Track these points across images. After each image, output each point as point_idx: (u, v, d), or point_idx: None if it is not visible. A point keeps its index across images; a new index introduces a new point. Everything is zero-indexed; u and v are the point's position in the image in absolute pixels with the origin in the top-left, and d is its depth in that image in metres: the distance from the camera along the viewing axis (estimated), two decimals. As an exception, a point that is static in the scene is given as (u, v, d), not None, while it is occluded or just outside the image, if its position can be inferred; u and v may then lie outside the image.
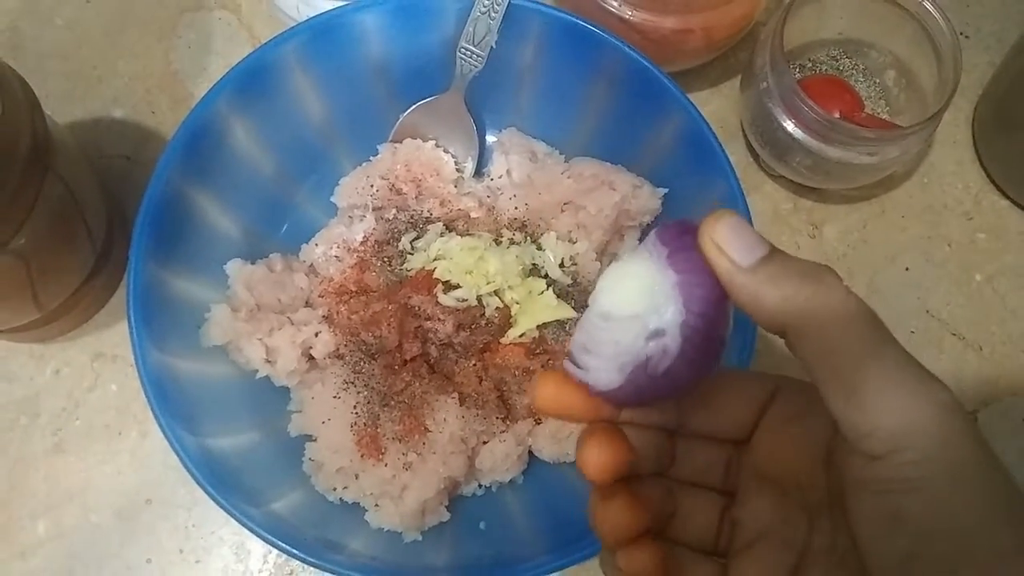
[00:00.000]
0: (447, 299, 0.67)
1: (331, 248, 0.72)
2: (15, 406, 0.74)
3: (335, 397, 0.68)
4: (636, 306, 0.38)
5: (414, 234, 0.72)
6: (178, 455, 0.60)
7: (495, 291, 0.68)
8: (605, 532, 0.41)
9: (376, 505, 0.66)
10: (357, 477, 0.66)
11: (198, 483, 0.60)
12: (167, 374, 0.63)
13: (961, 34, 0.71)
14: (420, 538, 0.65)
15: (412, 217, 0.73)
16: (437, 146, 0.74)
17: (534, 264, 0.70)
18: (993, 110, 0.81)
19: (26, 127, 0.58)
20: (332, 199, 0.74)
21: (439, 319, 0.67)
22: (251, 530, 0.60)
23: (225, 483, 0.61)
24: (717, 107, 0.83)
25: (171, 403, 0.62)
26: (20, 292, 0.64)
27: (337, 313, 0.70)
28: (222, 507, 0.60)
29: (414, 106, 0.73)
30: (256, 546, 0.72)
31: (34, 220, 0.59)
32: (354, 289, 0.71)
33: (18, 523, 0.72)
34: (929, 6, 0.72)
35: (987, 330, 0.78)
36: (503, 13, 0.67)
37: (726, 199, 0.65)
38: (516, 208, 0.72)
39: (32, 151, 0.58)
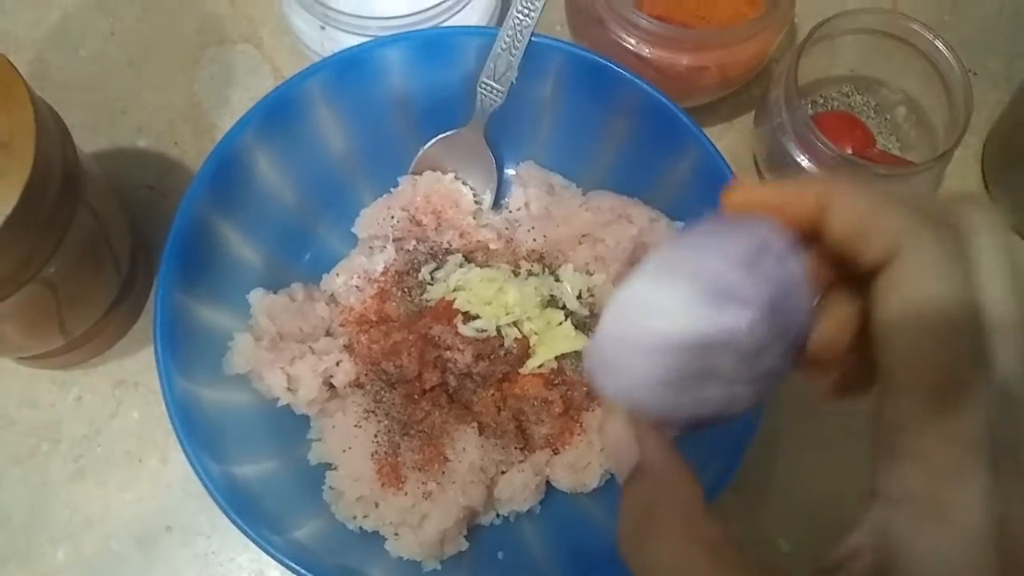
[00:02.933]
0: (467, 329, 0.68)
1: (352, 278, 0.73)
2: (37, 432, 0.75)
3: (355, 426, 0.68)
4: None
5: (434, 265, 0.73)
6: (203, 482, 0.61)
7: (514, 322, 0.69)
8: None
9: (396, 534, 0.66)
10: (377, 506, 0.67)
11: (223, 510, 0.60)
12: (191, 401, 0.64)
13: (970, 71, 0.73)
14: (439, 567, 0.66)
15: (432, 248, 0.74)
16: (456, 178, 0.75)
17: (552, 295, 0.71)
18: (1002, 146, 0.83)
19: (58, 158, 0.59)
20: (353, 230, 0.75)
21: (458, 349, 0.68)
22: (274, 557, 0.60)
23: (248, 510, 0.61)
24: (730, 142, 0.84)
25: (196, 430, 0.62)
26: (47, 320, 0.65)
27: (358, 343, 0.71)
28: (246, 534, 0.60)
29: (434, 139, 0.75)
30: (275, 574, 0.72)
31: (64, 249, 0.60)
32: (374, 319, 0.72)
33: (38, 549, 0.72)
34: (939, 44, 0.73)
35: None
36: (524, 50, 0.69)
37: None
38: (534, 240, 0.73)
39: (64, 182, 0.59)
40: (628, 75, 0.69)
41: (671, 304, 0.34)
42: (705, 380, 0.35)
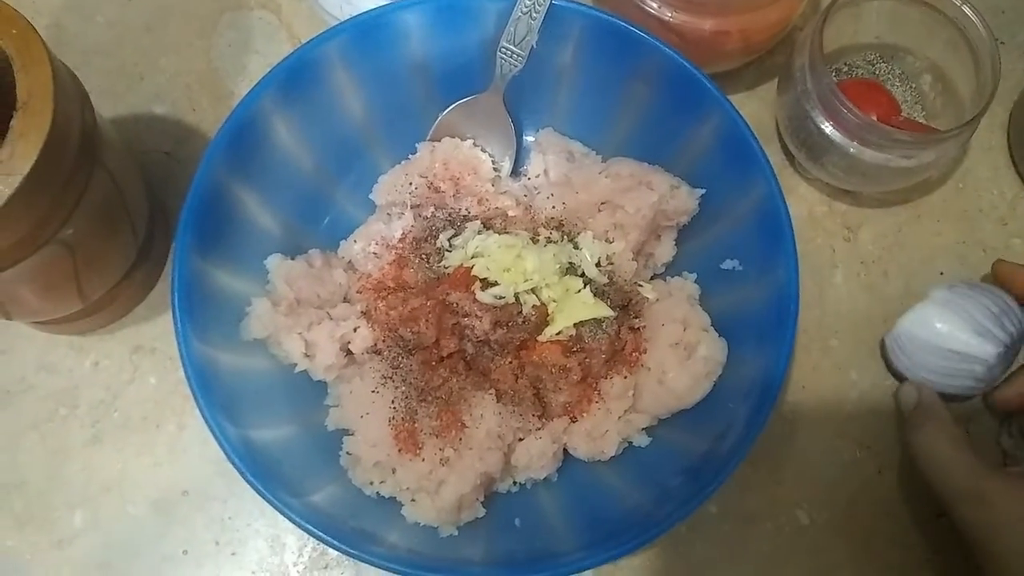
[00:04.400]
0: (485, 296, 0.68)
1: (370, 245, 0.73)
2: (54, 397, 0.75)
3: (373, 392, 0.68)
4: None
5: (452, 232, 0.72)
6: (220, 445, 0.61)
7: (532, 289, 0.68)
8: None
9: (412, 500, 0.66)
10: (394, 471, 0.67)
11: (240, 473, 0.60)
12: (209, 366, 0.63)
13: (997, 40, 0.71)
14: (456, 533, 0.66)
15: (450, 215, 0.73)
16: (475, 145, 0.75)
17: (571, 263, 0.70)
18: (1029, 116, 0.82)
19: (76, 119, 0.58)
20: (371, 196, 0.75)
21: (476, 316, 0.67)
22: (292, 520, 0.60)
23: (266, 474, 0.61)
24: (753, 110, 0.83)
25: (214, 394, 0.62)
26: (65, 283, 0.64)
27: (375, 309, 0.71)
28: (264, 497, 0.60)
29: (453, 105, 0.74)
30: (292, 539, 0.72)
31: (81, 211, 0.60)
32: (392, 285, 0.72)
33: (55, 513, 0.73)
34: (967, 10, 0.72)
35: None
36: (544, 14, 0.68)
37: (765, 200, 0.65)
38: (553, 207, 0.73)
39: (82, 144, 0.59)
40: (650, 39, 0.68)
41: (954, 330, 0.71)
42: (960, 376, 0.72)
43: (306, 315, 0.69)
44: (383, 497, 0.67)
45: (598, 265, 0.71)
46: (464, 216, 0.73)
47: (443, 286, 0.69)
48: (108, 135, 0.64)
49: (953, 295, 0.72)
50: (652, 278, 0.74)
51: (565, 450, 0.70)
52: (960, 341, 0.70)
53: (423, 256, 0.72)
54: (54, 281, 0.63)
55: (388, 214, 0.74)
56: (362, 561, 0.61)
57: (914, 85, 0.81)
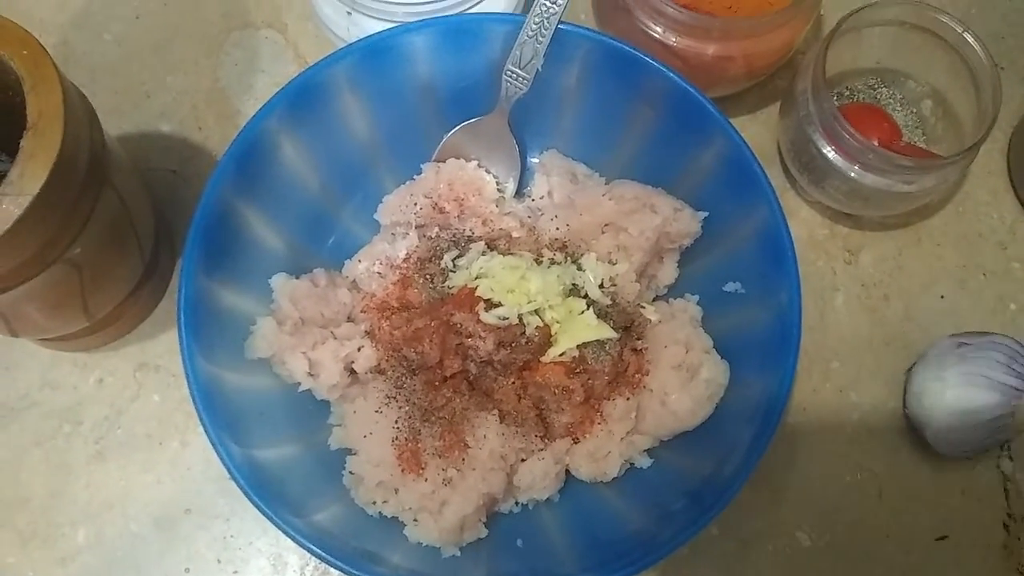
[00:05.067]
0: (488, 317, 0.68)
1: (374, 264, 0.73)
2: (58, 414, 0.75)
3: (377, 412, 0.68)
4: None
5: (456, 252, 0.72)
6: (224, 464, 0.61)
7: (536, 310, 0.69)
8: None
9: (415, 520, 0.66)
10: (397, 491, 0.67)
11: (244, 492, 0.61)
12: (213, 384, 0.64)
13: (997, 66, 0.72)
14: (458, 553, 0.66)
15: (454, 235, 0.74)
16: (480, 166, 0.75)
17: (574, 284, 0.71)
18: (1029, 141, 0.82)
19: (85, 140, 0.59)
20: (375, 216, 0.75)
21: (480, 336, 0.68)
22: (295, 540, 0.60)
23: (269, 493, 0.62)
24: (755, 133, 0.84)
25: (218, 412, 0.62)
26: (72, 301, 0.65)
27: (379, 328, 0.71)
28: (267, 516, 0.60)
29: (458, 127, 0.74)
30: (294, 558, 0.73)
31: (90, 231, 0.60)
32: (396, 305, 0.72)
33: (58, 530, 0.73)
34: (968, 37, 0.73)
35: (1022, 359, 0.79)
36: (550, 37, 0.68)
37: (768, 223, 0.66)
38: (557, 228, 0.73)
39: (91, 164, 0.59)
40: (655, 63, 0.68)
41: (980, 402, 0.71)
42: (999, 432, 0.72)
43: (310, 334, 0.69)
44: (386, 517, 0.67)
45: (601, 287, 0.71)
46: (468, 237, 0.74)
47: (447, 306, 0.69)
48: (116, 154, 0.65)
49: (969, 363, 0.72)
50: (654, 300, 0.75)
51: (567, 471, 0.70)
52: (988, 410, 0.71)
53: (427, 276, 0.72)
54: (61, 299, 0.64)
55: (393, 234, 0.75)
56: (364, 582, 0.61)
57: (915, 110, 0.82)
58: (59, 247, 0.58)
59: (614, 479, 0.69)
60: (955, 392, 0.71)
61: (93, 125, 0.61)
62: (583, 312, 0.69)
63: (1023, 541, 0.75)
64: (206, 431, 0.61)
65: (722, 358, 0.69)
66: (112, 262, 0.67)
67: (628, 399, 0.69)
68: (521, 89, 0.71)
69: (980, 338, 0.74)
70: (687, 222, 0.71)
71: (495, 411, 0.68)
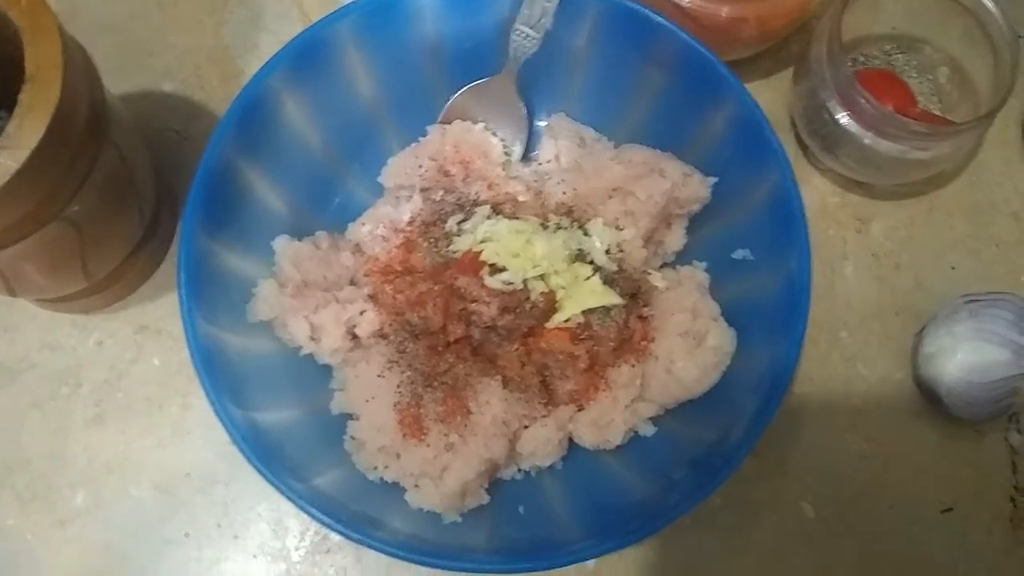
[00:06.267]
0: (493, 282, 0.67)
1: (378, 227, 0.72)
2: (57, 376, 0.75)
3: (379, 376, 0.68)
4: None
5: (461, 216, 0.71)
6: (225, 427, 0.60)
7: (541, 275, 0.68)
8: None
9: (416, 485, 0.65)
10: (398, 456, 0.66)
11: (245, 456, 0.60)
12: (215, 346, 0.63)
13: (1016, 34, 0.71)
14: (459, 520, 0.65)
15: (459, 199, 0.72)
16: (486, 129, 0.74)
17: (580, 249, 0.70)
18: (1045, 111, 0.81)
19: (85, 95, 0.58)
20: (379, 179, 0.74)
21: (484, 301, 0.67)
22: (296, 503, 0.60)
23: (270, 457, 0.61)
24: (767, 99, 0.82)
25: (219, 375, 0.62)
26: (71, 260, 0.64)
27: (382, 292, 0.70)
28: (267, 479, 0.60)
29: (465, 88, 0.73)
30: (294, 523, 0.72)
31: (88, 188, 0.59)
32: (400, 269, 0.71)
33: (57, 492, 0.72)
34: (987, 3, 0.71)
35: (1034, 332, 0.78)
36: (560, -5, 0.67)
37: (779, 189, 0.65)
38: (564, 193, 0.72)
39: (90, 120, 0.58)
40: (667, 24, 0.67)
41: (992, 362, 0.70)
42: (1009, 394, 0.71)
43: (312, 298, 0.68)
44: (387, 482, 0.66)
45: (608, 252, 0.70)
46: (474, 200, 0.72)
47: (451, 271, 0.68)
48: (117, 112, 0.64)
49: (975, 321, 0.72)
50: (662, 266, 0.74)
51: (571, 439, 0.69)
52: (1000, 368, 0.70)
53: (431, 240, 0.71)
54: (59, 258, 0.63)
55: (397, 197, 0.74)
56: (364, 545, 0.60)
57: (931, 77, 0.80)
58: (57, 204, 0.57)
59: (617, 447, 0.68)
60: (967, 346, 0.71)
61: (93, 80, 0.60)
62: (589, 278, 0.68)
63: (1030, 515, 0.74)
64: (207, 393, 0.61)
65: (729, 326, 0.68)
66: (112, 221, 0.66)
67: (633, 366, 0.68)
68: (530, 49, 0.70)
69: (990, 296, 0.73)
70: (696, 187, 0.70)
71: (498, 377, 0.67)
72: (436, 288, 0.68)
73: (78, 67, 0.57)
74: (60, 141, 0.54)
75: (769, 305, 0.66)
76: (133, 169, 0.65)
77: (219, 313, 0.64)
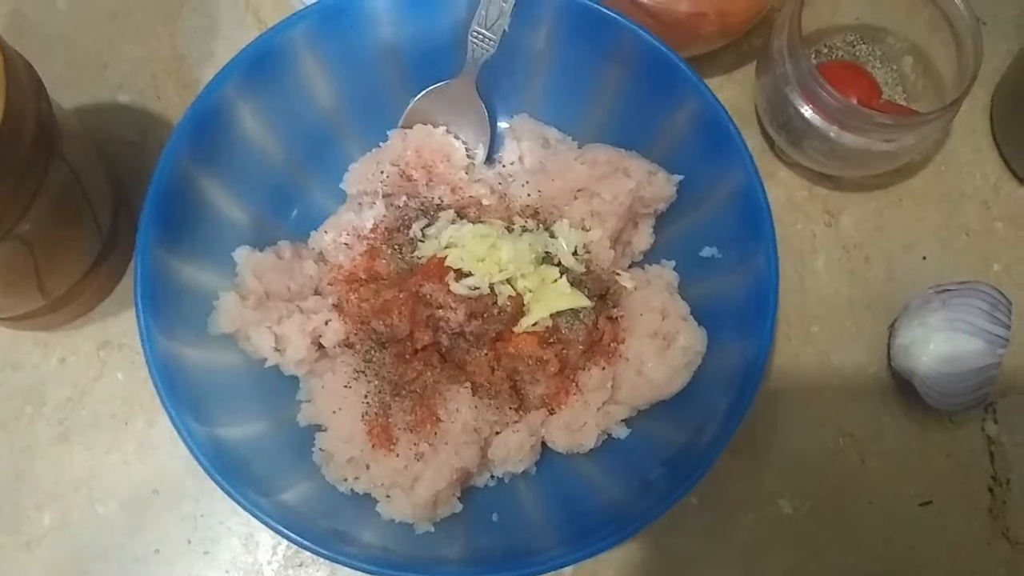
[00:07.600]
0: (459, 287, 0.66)
1: (340, 235, 0.71)
2: (20, 395, 0.73)
3: (345, 387, 0.67)
4: None
5: (425, 221, 0.70)
6: (186, 444, 0.59)
7: (507, 279, 0.67)
8: None
9: (387, 496, 0.65)
10: (368, 467, 0.65)
11: (207, 472, 0.59)
12: (175, 362, 0.62)
13: (979, 20, 0.70)
14: (432, 530, 0.65)
15: (423, 204, 0.72)
16: (448, 132, 0.73)
17: (547, 252, 0.69)
18: (1011, 98, 0.80)
19: (31, 111, 0.56)
20: (341, 186, 0.73)
21: (451, 307, 0.66)
22: (260, 520, 0.59)
23: (234, 472, 0.60)
24: (730, 94, 0.82)
25: (179, 391, 0.61)
26: (25, 279, 0.63)
27: (347, 301, 0.69)
28: (231, 496, 0.59)
29: (425, 91, 0.72)
30: (265, 537, 0.71)
31: (39, 205, 0.58)
32: (364, 277, 0.70)
33: (24, 513, 0.71)
34: (949, -10, 0.71)
35: (1005, 320, 0.77)
36: (517, -5, 0.66)
37: (744, 186, 0.64)
38: (528, 195, 0.71)
39: (37, 136, 0.57)
40: (625, 22, 0.66)
41: (967, 353, 0.70)
42: (984, 383, 0.72)
43: (276, 308, 0.67)
44: (357, 494, 0.65)
45: (575, 254, 0.69)
46: (437, 205, 0.71)
47: (416, 277, 0.67)
48: (67, 126, 0.62)
49: (953, 311, 0.71)
50: (630, 266, 0.73)
51: (543, 443, 0.69)
52: (974, 358, 0.71)
53: (396, 247, 0.70)
54: (13, 277, 0.62)
55: (359, 204, 0.72)
56: (334, 562, 0.59)
57: (895, 67, 0.80)
58: (6, 223, 0.56)
59: (591, 450, 0.68)
60: (941, 336, 0.71)
61: (40, 95, 0.59)
62: (556, 280, 0.67)
63: (1008, 505, 0.74)
64: (166, 410, 0.60)
65: (699, 325, 0.67)
66: (66, 237, 0.64)
67: (604, 368, 0.68)
68: (488, 51, 0.69)
69: (961, 287, 0.73)
70: (662, 186, 0.69)
71: (467, 383, 0.66)
72: (402, 295, 0.67)
73: (23, 84, 0.55)
74: (5, 159, 0.53)
75: (738, 302, 0.65)
76: (87, 183, 0.64)
77: (178, 327, 0.63)
